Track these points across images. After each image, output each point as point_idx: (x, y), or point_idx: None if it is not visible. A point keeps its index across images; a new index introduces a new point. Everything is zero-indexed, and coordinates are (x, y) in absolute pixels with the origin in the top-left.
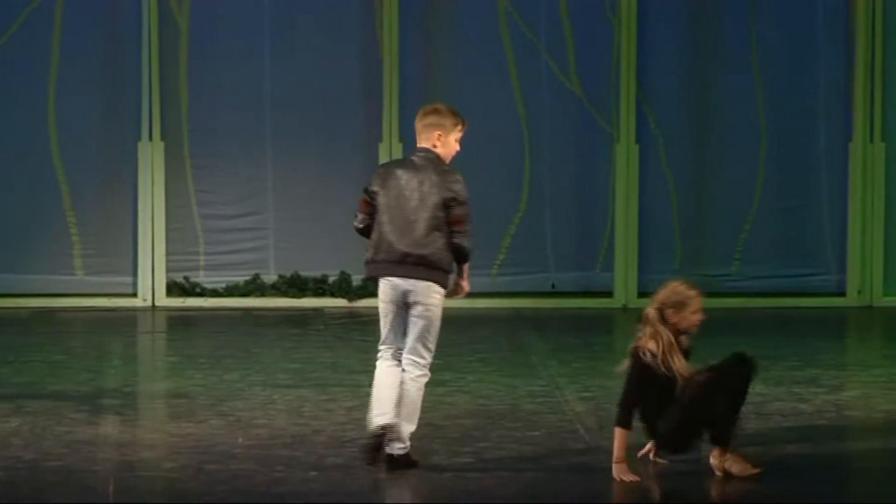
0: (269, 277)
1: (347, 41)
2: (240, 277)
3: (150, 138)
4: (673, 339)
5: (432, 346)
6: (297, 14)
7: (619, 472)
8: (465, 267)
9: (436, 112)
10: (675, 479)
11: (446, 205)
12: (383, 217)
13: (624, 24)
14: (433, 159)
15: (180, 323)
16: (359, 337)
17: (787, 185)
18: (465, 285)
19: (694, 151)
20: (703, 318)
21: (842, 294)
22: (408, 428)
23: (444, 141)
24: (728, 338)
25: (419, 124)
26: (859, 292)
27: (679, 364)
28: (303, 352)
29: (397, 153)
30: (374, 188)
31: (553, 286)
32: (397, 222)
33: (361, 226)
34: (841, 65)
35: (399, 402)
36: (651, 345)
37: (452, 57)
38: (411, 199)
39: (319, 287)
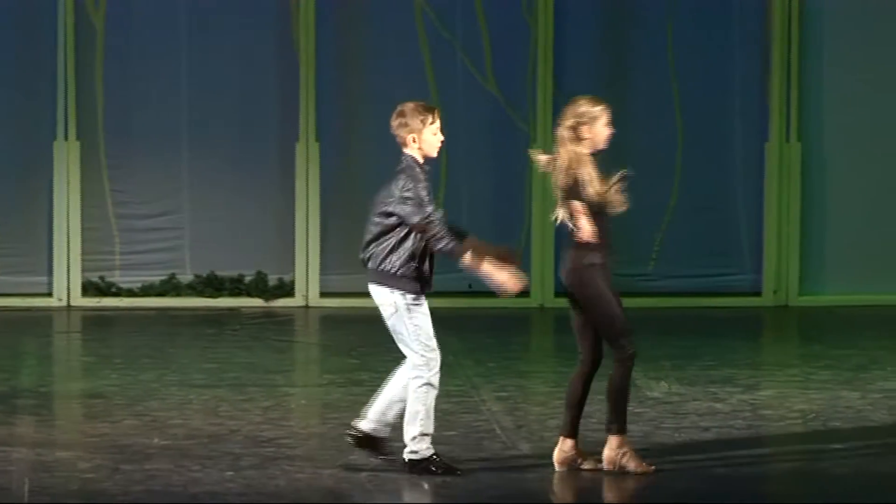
0: (185, 277)
1: (264, 41)
2: (156, 277)
3: (66, 138)
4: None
5: (417, 348)
6: (214, 14)
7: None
8: (472, 264)
9: (402, 115)
10: (584, 479)
11: (392, 211)
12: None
13: (541, 24)
14: (406, 165)
15: (96, 323)
16: (275, 337)
17: (704, 186)
18: (503, 278)
19: (610, 151)
20: (613, 131)
21: (757, 294)
22: (407, 433)
23: (421, 140)
24: (644, 338)
25: (393, 130)
26: (775, 292)
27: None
28: (219, 352)
29: (314, 153)
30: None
31: (469, 286)
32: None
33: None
34: (757, 65)
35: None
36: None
37: (369, 56)
38: (375, 207)
39: (236, 287)
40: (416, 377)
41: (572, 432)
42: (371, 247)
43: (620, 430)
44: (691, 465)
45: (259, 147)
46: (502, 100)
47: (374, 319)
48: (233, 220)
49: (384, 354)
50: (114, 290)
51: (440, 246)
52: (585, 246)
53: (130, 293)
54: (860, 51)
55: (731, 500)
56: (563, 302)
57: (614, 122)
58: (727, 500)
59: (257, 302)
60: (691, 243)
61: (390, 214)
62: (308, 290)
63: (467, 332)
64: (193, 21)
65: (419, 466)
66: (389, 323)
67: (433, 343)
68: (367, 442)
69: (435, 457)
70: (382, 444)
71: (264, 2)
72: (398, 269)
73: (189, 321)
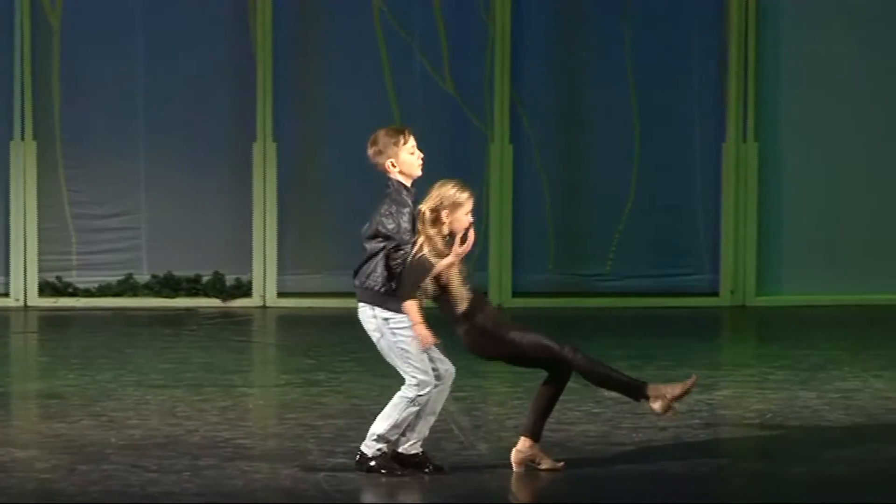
0: (142, 277)
1: (221, 40)
2: (112, 277)
3: (23, 138)
4: (442, 246)
5: (408, 370)
6: (170, 14)
7: (423, 334)
8: (405, 309)
9: (374, 143)
10: (542, 479)
11: (374, 233)
12: None
13: (498, 24)
14: (393, 190)
15: (53, 323)
16: (232, 337)
17: (661, 186)
18: (416, 330)
19: (568, 152)
20: (473, 220)
21: (715, 294)
22: (374, 426)
23: (399, 162)
24: (601, 337)
25: (371, 161)
26: (732, 292)
27: (455, 280)
28: (176, 352)
29: (271, 153)
30: None
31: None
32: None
33: None
34: (714, 65)
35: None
36: (428, 252)
37: (326, 56)
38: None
39: (193, 287)
40: (406, 389)
41: (533, 434)
42: (360, 270)
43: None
44: (649, 465)
45: (216, 147)
46: (460, 100)
47: (331, 320)
48: (190, 220)
49: (341, 355)
50: (71, 290)
51: (402, 288)
52: (456, 318)
53: (87, 293)
54: (817, 51)
55: (689, 499)
56: (521, 302)
57: (572, 122)
58: (685, 500)
59: (214, 302)
60: (648, 243)
61: (374, 236)
62: (265, 290)
63: None
64: (150, 21)
65: (363, 463)
66: (378, 345)
67: (425, 364)
68: (406, 460)
69: (380, 457)
70: (424, 459)
71: (221, 2)
72: (380, 286)
73: (146, 321)
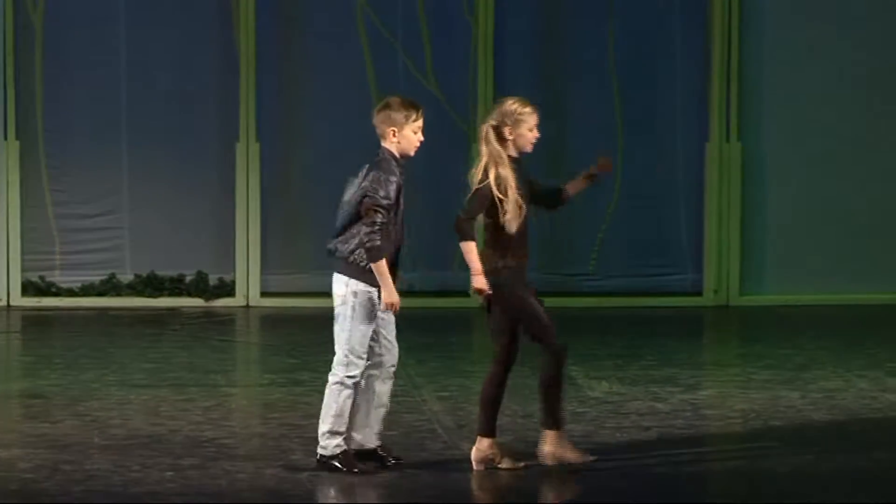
0: (126, 277)
1: (203, 41)
2: (96, 277)
3: (6, 138)
4: (507, 159)
5: (345, 347)
6: (153, 13)
7: (479, 283)
8: (378, 269)
9: (387, 107)
10: (524, 479)
11: (360, 200)
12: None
13: (481, 24)
14: (382, 158)
15: (36, 322)
16: (215, 337)
17: (645, 185)
18: (385, 295)
19: (551, 151)
20: (538, 136)
21: (698, 293)
22: (319, 426)
23: (401, 136)
24: (586, 337)
25: (375, 122)
26: (716, 292)
27: (512, 194)
28: (159, 351)
29: (254, 153)
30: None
31: (410, 286)
32: (338, 220)
33: None
34: (697, 65)
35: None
36: (491, 172)
37: (309, 56)
38: (344, 198)
39: (176, 287)
40: (332, 373)
41: (489, 431)
42: (339, 238)
43: (556, 425)
44: (633, 465)
45: (199, 147)
46: (443, 99)
47: (314, 319)
48: (173, 219)
49: (325, 354)
50: (54, 289)
51: (367, 240)
52: (498, 248)
53: (70, 293)
54: (800, 51)
55: (673, 499)
56: None
57: (556, 122)
58: (668, 500)
59: (198, 302)
60: (632, 243)
61: (357, 203)
62: (248, 289)
63: (408, 331)
64: (133, 21)
65: (325, 463)
66: (336, 312)
67: (364, 347)
68: (366, 456)
69: (341, 455)
70: (384, 452)
71: (205, 2)
72: (355, 259)
73: (129, 321)
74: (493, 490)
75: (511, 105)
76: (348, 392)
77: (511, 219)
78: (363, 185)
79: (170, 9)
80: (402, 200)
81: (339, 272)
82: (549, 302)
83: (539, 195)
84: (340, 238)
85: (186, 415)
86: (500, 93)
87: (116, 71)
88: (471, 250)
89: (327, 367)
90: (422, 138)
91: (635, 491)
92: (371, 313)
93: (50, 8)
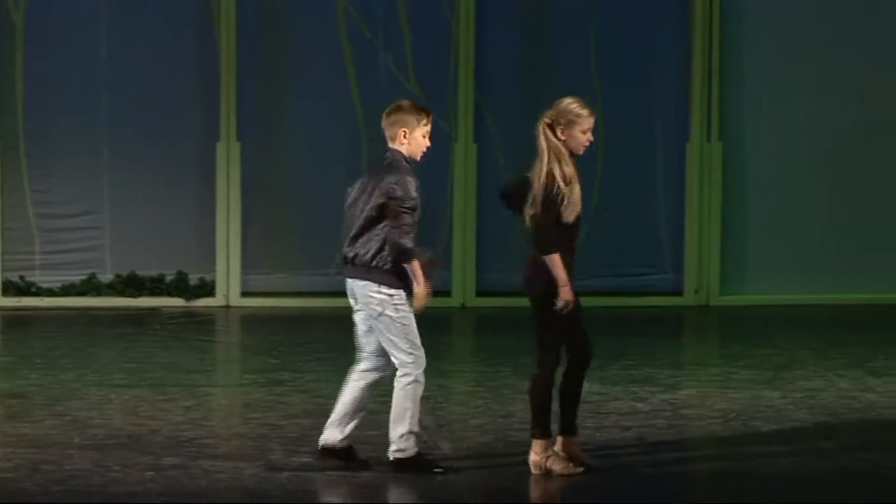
0: (106, 277)
1: (184, 40)
2: (76, 277)
3: None
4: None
5: (405, 346)
6: (134, 13)
7: (567, 294)
8: (413, 267)
9: (398, 110)
10: (506, 479)
11: (383, 203)
12: (345, 220)
13: (462, 24)
14: (394, 160)
15: (16, 322)
16: (195, 337)
17: (625, 185)
18: (419, 291)
19: (532, 152)
20: (592, 139)
21: (679, 293)
22: (394, 430)
23: (411, 138)
24: None
25: (384, 124)
26: (696, 291)
27: (577, 188)
28: (139, 351)
29: (235, 153)
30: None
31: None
32: (347, 224)
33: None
34: (678, 65)
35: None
36: (563, 165)
37: (290, 55)
38: (358, 201)
39: (156, 286)
40: (404, 374)
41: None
42: (357, 243)
43: (543, 434)
44: (613, 465)
45: (180, 147)
46: (424, 99)
47: (295, 319)
48: (153, 219)
49: (305, 354)
50: (34, 289)
51: (400, 240)
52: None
53: (51, 293)
54: (780, 51)
55: (653, 499)
56: (486, 301)
57: (536, 120)
58: (648, 500)
59: (178, 302)
60: (612, 243)
61: (382, 206)
62: (229, 289)
63: None
64: (114, 21)
65: (407, 465)
66: (374, 321)
67: (419, 341)
68: (334, 453)
69: (421, 455)
70: (351, 453)
71: (185, 2)
72: (387, 265)
73: (109, 321)
74: (473, 490)
75: (569, 105)
76: (422, 388)
77: (570, 212)
78: (383, 186)
79: (151, 8)
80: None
81: (360, 278)
82: (528, 302)
83: None
84: (359, 243)
85: (166, 415)
86: (481, 92)
87: (97, 70)
88: (556, 264)
89: (308, 367)
90: (429, 143)
91: (616, 491)
92: (409, 307)
93: (31, 6)
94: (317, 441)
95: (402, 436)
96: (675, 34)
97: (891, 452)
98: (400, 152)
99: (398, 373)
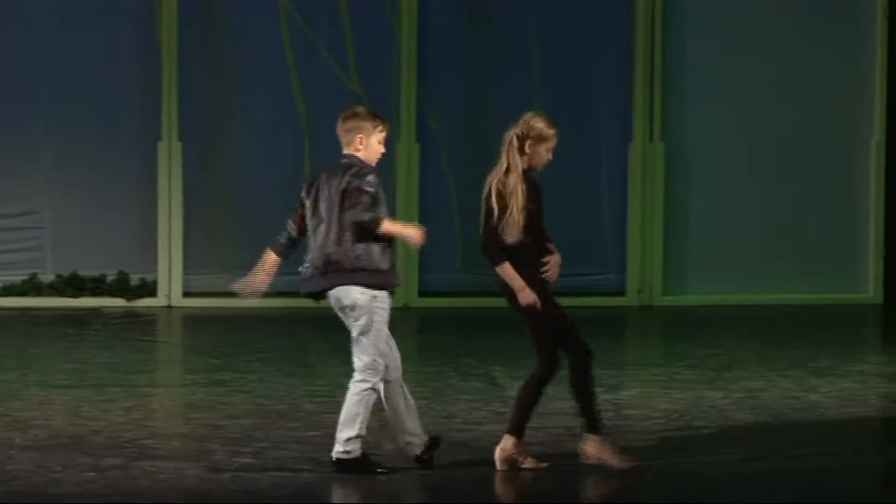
0: (47, 277)
1: (125, 40)
2: (16, 277)
3: None
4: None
5: (371, 351)
6: (74, 12)
7: (526, 298)
8: (389, 229)
9: (354, 116)
10: (445, 479)
11: (351, 205)
12: (309, 227)
13: (405, 24)
14: (351, 164)
15: None
16: (137, 337)
17: (568, 185)
18: (413, 235)
19: (474, 151)
20: (552, 159)
21: (622, 293)
22: (342, 432)
23: (366, 143)
24: (507, 336)
25: (340, 130)
26: (639, 292)
27: (518, 203)
28: (81, 352)
29: (177, 152)
30: (302, 196)
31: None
32: (317, 230)
33: (288, 235)
34: (620, 65)
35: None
36: (510, 178)
37: (232, 55)
38: (324, 207)
39: (97, 287)
40: (362, 380)
41: (518, 432)
42: (333, 250)
43: (517, 431)
44: (555, 465)
45: (121, 146)
46: (367, 99)
47: (237, 319)
48: (95, 219)
49: (247, 354)
50: None
51: (361, 216)
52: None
53: None
54: (723, 51)
55: (595, 499)
56: (428, 302)
57: (479, 121)
58: (590, 500)
59: (119, 302)
60: (556, 243)
61: (354, 205)
62: (170, 289)
63: (331, 332)
64: (54, 19)
65: (350, 466)
66: (353, 322)
67: (385, 348)
68: (355, 465)
69: (366, 457)
70: (367, 460)
71: (126, 0)
72: (368, 263)
73: (50, 321)
74: (412, 490)
75: (538, 122)
76: (376, 397)
77: (508, 230)
78: (350, 181)
79: (91, 7)
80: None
81: (347, 283)
82: (473, 302)
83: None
84: (333, 249)
85: (108, 415)
86: (424, 92)
87: (36, 70)
88: (507, 271)
89: (249, 367)
90: (384, 150)
91: (556, 491)
92: (387, 314)
93: None
94: (260, 441)
95: (349, 439)
96: (617, 34)
97: (832, 452)
98: (357, 157)
99: (355, 377)
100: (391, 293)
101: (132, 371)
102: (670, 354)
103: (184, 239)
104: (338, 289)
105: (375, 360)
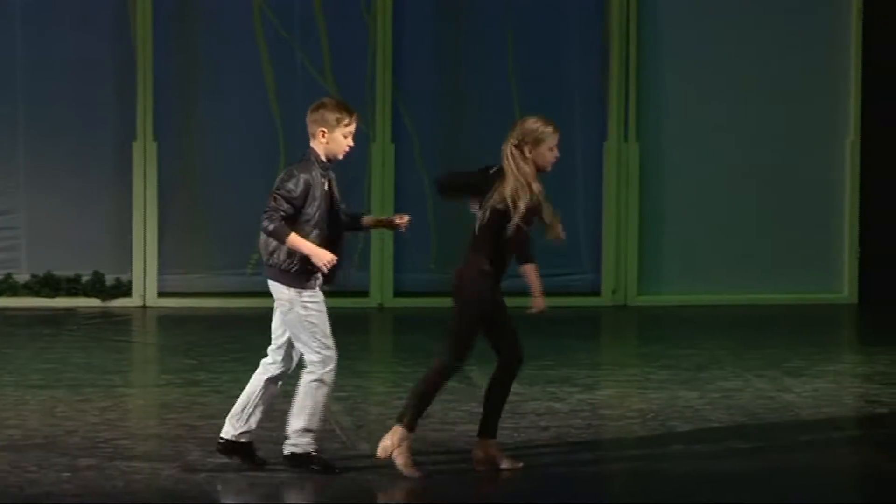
0: (22, 277)
1: (101, 40)
2: None
3: None
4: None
5: (313, 345)
6: (49, 11)
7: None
8: (292, 243)
9: (321, 107)
10: (422, 479)
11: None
12: None
13: (380, 23)
14: (305, 159)
15: None
16: (112, 337)
17: (543, 185)
18: (316, 260)
19: (449, 151)
20: (558, 155)
21: (596, 293)
22: (291, 425)
23: (330, 137)
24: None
25: (308, 120)
26: (614, 292)
27: (547, 210)
28: (56, 352)
29: (152, 152)
30: None
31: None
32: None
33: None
34: (595, 65)
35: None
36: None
37: (207, 55)
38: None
39: (72, 287)
40: (309, 372)
41: (492, 432)
42: (264, 241)
43: (409, 425)
44: (530, 465)
45: (96, 146)
46: (341, 98)
47: (212, 319)
48: (70, 219)
49: (222, 355)
50: None
51: (266, 223)
52: (482, 252)
53: None
54: (697, 51)
55: (570, 499)
56: (404, 301)
57: (454, 120)
58: (565, 500)
59: (94, 302)
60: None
61: (264, 210)
62: (145, 290)
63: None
64: (29, 19)
65: (299, 460)
66: (285, 319)
67: (329, 341)
68: (234, 449)
69: (315, 453)
70: (250, 450)
71: (101, 1)
72: (287, 264)
73: (25, 321)
74: (389, 490)
75: (532, 124)
76: (326, 390)
77: (555, 231)
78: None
79: (66, 6)
80: (323, 201)
81: (272, 278)
82: (446, 302)
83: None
84: (266, 245)
85: (83, 415)
86: (399, 92)
87: (13, 69)
88: (531, 270)
89: (225, 367)
90: (351, 143)
91: (533, 491)
92: (316, 304)
93: None
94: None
95: (297, 431)
96: (592, 34)
97: (807, 452)
98: (315, 151)
99: (305, 370)
100: (322, 290)
101: (107, 371)
102: (645, 354)
103: (159, 239)
104: (269, 282)
105: (319, 353)
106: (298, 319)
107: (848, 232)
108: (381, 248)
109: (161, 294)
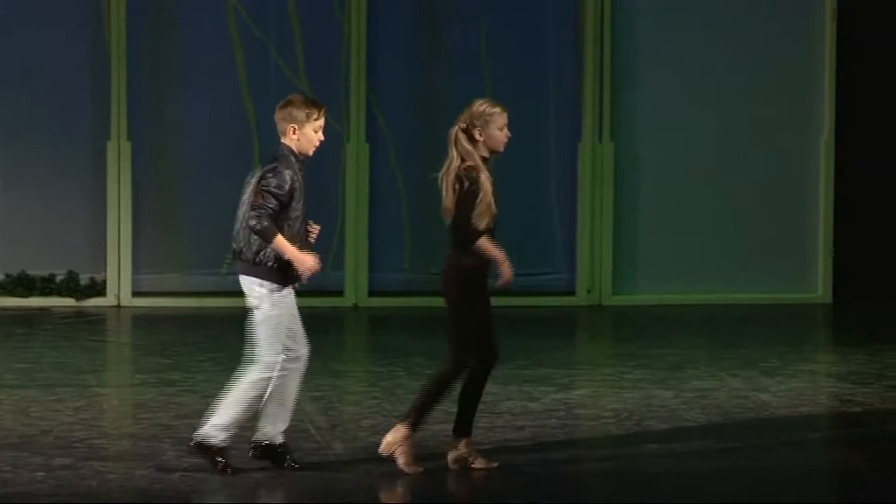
0: None
1: (75, 38)
2: None
3: None
4: (479, 159)
5: (266, 347)
6: (23, 10)
7: (507, 270)
8: (277, 246)
9: (289, 104)
10: (399, 479)
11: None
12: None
13: (354, 23)
14: (281, 154)
15: None
16: (86, 337)
17: (517, 185)
18: (298, 264)
19: (424, 150)
20: (509, 135)
21: (571, 293)
22: (213, 417)
23: (301, 133)
24: None
25: (276, 118)
26: (589, 291)
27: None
28: (30, 352)
29: (126, 152)
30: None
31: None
32: (236, 215)
33: None
34: (570, 64)
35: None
36: (472, 168)
37: (181, 54)
38: (245, 196)
39: (47, 286)
40: (256, 370)
41: (467, 431)
42: (242, 238)
43: (413, 424)
44: (505, 465)
45: (70, 146)
46: (315, 98)
47: (186, 319)
48: (44, 218)
49: (197, 354)
50: None
51: (255, 222)
52: (464, 247)
53: None
54: (672, 51)
55: (545, 499)
56: (378, 301)
57: (429, 120)
58: (540, 500)
59: (69, 301)
60: (505, 243)
61: (249, 209)
62: (120, 289)
63: None
64: (4, 18)
65: (204, 452)
66: (253, 315)
67: (290, 343)
68: (269, 451)
69: (223, 451)
70: (285, 451)
71: (77, 0)
72: (262, 259)
73: None
74: (364, 489)
75: (480, 106)
76: (256, 394)
77: (481, 217)
78: (259, 176)
79: (40, 5)
80: (301, 199)
81: (245, 274)
82: (420, 302)
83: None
84: (243, 238)
85: (57, 415)
86: (373, 91)
87: None
88: (485, 245)
89: (200, 367)
90: (322, 138)
91: (506, 490)
92: (289, 308)
93: None
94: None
95: (219, 425)
96: (566, 33)
97: (782, 452)
98: (289, 147)
99: (249, 368)
100: (294, 287)
101: (82, 371)
102: (620, 354)
103: (133, 238)
104: (241, 277)
105: (269, 357)
106: (264, 317)
107: (822, 231)
108: (355, 247)
109: (136, 294)
